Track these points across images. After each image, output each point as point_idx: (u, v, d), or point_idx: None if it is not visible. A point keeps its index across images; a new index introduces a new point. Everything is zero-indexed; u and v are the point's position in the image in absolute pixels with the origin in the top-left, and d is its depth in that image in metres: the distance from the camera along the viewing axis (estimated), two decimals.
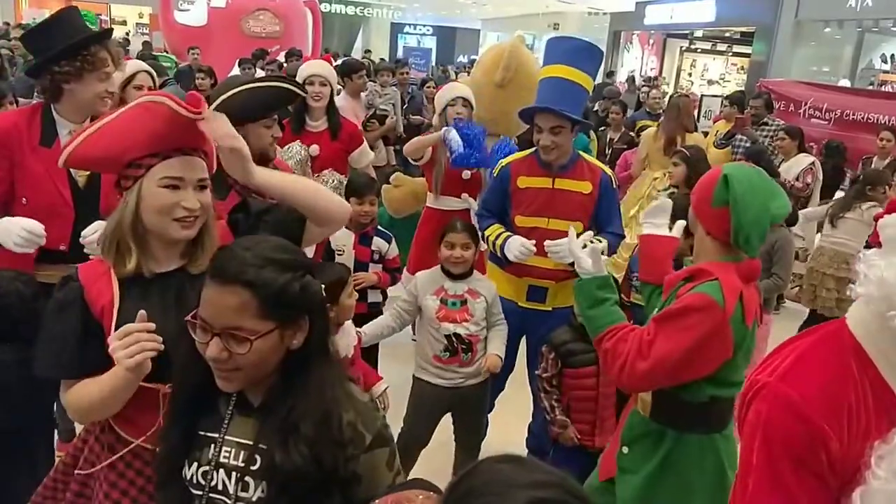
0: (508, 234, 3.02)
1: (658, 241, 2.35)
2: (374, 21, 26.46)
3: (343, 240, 3.30)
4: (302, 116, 3.88)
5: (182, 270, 1.57)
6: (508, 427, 3.33)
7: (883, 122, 8.13)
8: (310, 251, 2.76)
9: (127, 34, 17.66)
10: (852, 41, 15.40)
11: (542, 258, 2.94)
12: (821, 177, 6.08)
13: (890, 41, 15.60)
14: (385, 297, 3.57)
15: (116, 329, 1.45)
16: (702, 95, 11.04)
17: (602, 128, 6.64)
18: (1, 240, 2.20)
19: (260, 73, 7.90)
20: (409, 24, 28.62)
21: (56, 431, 2.78)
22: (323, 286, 2.52)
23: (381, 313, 3.43)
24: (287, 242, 1.38)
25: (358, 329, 2.81)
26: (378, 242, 3.38)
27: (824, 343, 1.28)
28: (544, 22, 22.97)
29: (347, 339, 2.67)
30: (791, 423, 1.20)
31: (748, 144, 6.20)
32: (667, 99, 7.64)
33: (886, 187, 4.96)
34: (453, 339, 2.85)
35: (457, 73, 13.54)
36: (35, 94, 5.13)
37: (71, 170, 2.41)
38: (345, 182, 3.86)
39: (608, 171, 3.16)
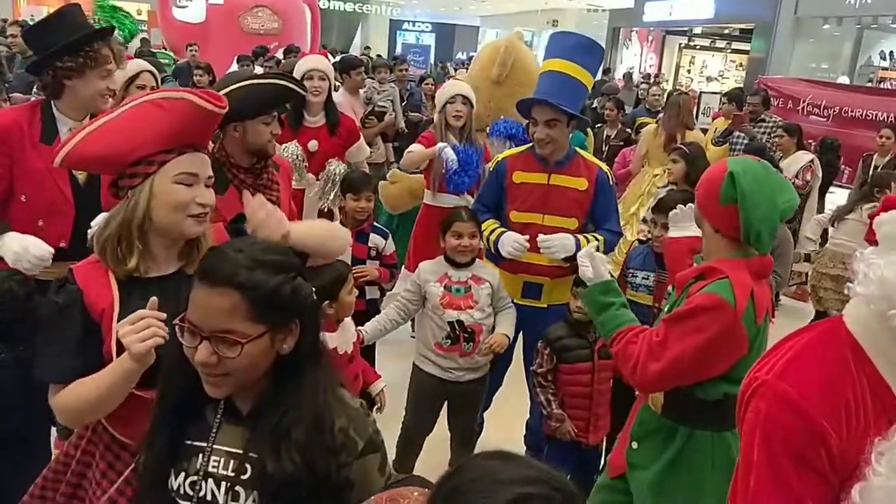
0: (502, 229, 3.02)
1: (683, 242, 2.37)
2: (372, 18, 26.42)
3: None
4: (300, 112, 3.87)
5: (180, 273, 1.56)
6: (506, 424, 3.33)
7: (882, 118, 8.13)
8: None
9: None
10: (851, 38, 15.37)
11: (537, 254, 2.94)
12: (820, 174, 6.08)
13: (889, 38, 15.57)
14: (382, 293, 3.57)
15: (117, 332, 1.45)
16: (700, 92, 11.01)
17: (598, 125, 6.63)
18: (10, 260, 2.20)
19: (259, 71, 7.88)
20: (408, 21, 28.60)
21: (56, 430, 2.77)
22: (322, 285, 2.55)
23: (379, 310, 3.44)
24: (277, 244, 1.37)
25: (358, 328, 2.81)
26: (375, 239, 3.38)
27: (821, 340, 1.28)
28: (543, 18, 22.94)
29: (347, 335, 2.67)
30: (790, 420, 1.20)
31: (746, 141, 6.20)
32: (666, 96, 7.65)
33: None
34: (456, 326, 2.85)
35: (455, 70, 13.52)
36: (33, 91, 5.11)
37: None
38: (342, 173, 3.88)
39: (605, 167, 3.16)
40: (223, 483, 1.26)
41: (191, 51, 9.78)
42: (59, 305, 1.49)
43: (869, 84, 13.49)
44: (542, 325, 2.98)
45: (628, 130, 6.95)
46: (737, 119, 6.42)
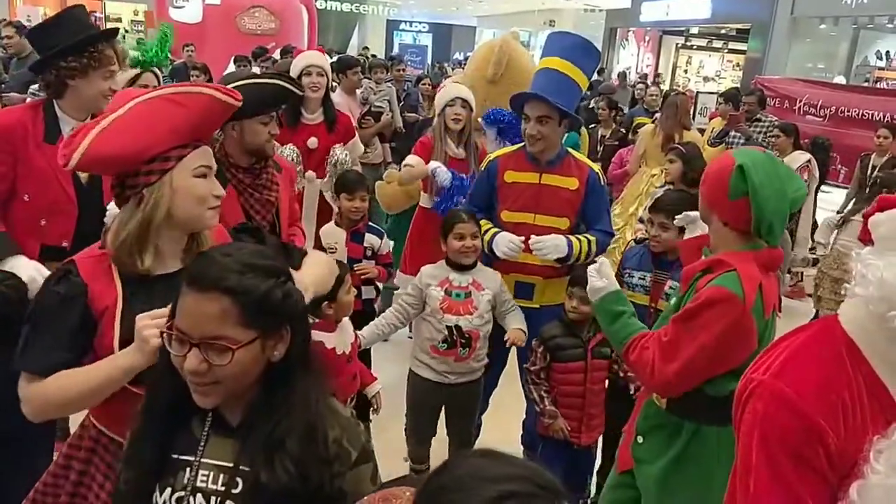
0: (496, 230, 3.01)
1: (693, 242, 2.39)
2: (369, 18, 26.38)
3: (335, 237, 3.30)
4: (297, 109, 3.85)
5: (182, 271, 1.55)
6: (504, 425, 3.33)
7: (878, 118, 8.16)
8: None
9: (125, 31, 17.61)
10: (848, 38, 15.41)
11: (530, 254, 2.94)
12: (817, 174, 6.09)
13: (885, 38, 15.61)
14: (378, 292, 3.57)
15: (121, 331, 1.45)
16: (697, 92, 11.04)
17: (592, 125, 6.63)
18: (27, 281, 2.19)
19: (256, 71, 7.87)
20: (405, 21, 28.59)
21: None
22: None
23: (375, 310, 3.44)
24: (266, 248, 1.36)
25: (356, 331, 2.81)
26: (370, 239, 3.38)
27: (817, 340, 1.28)
28: (540, 19, 22.96)
29: (345, 336, 2.67)
30: (788, 419, 1.20)
31: (742, 142, 6.20)
32: (663, 96, 7.65)
33: None
34: (454, 331, 2.84)
35: (452, 70, 13.53)
36: (28, 91, 5.10)
37: None
38: (349, 159, 3.89)
39: (596, 168, 3.15)
40: (212, 498, 1.22)
41: (187, 51, 9.77)
42: (61, 296, 1.47)
43: (865, 84, 13.54)
44: (535, 325, 2.97)
45: (622, 130, 6.95)
46: (733, 119, 6.42)
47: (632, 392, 2.75)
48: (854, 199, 6.62)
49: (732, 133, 6.37)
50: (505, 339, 2.89)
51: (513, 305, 2.97)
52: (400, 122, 6.74)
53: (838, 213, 6.74)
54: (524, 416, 3.27)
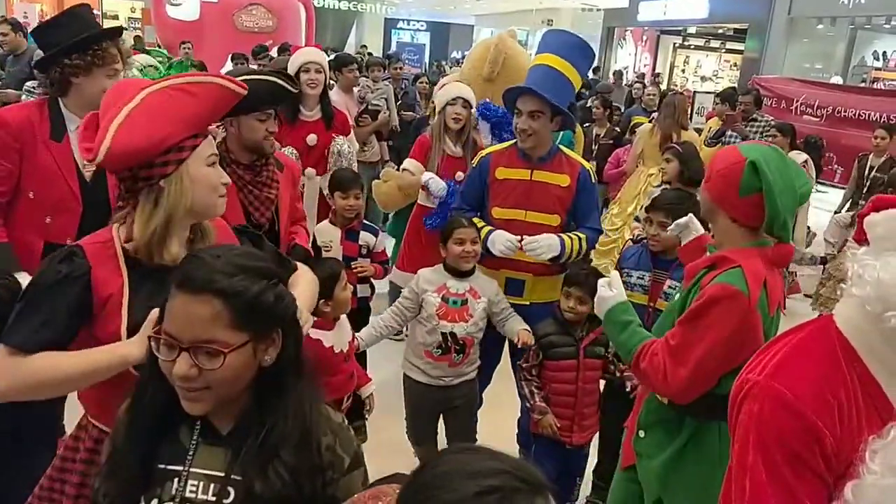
0: (491, 227, 3.01)
1: (694, 244, 2.38)
2: (367, 16, 26.33)
3: (329, 235, 3.30)
4: (296, 106, 3.84)
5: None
6: (499, 423, 3.32)
7: (874, 118, 8.17)
8: None
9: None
10: (844, 38, 15.43)
11: (520, 251, 2.94)
12: (814, 174, 6.10)
13: (882, 38, 15.63)
14: (373, 290, 3.57)
15: (129, 319, 1.44)
16: (695, 92, 11.05)
17: (587, 124, 6.63)
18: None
19: (254, 68, 7.86)
20: (403, 20, 28.55)
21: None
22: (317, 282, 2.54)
23: (370, 308, 3.43)
24: (256, 251, 1.35)
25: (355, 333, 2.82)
26: (365, 237, 3.38)
27: (812, 340, 1.28)
28: (538, 18, 22.94)
29: (343, 334, 2.67)
30: (785, 420, 1.20)
31: (739, 141, 6.21)
32: (660, 96, 7.65)
33: None
34: (448, 337, 2.84)
35: (450, 68, 13.52)
36: (24, 89, 5.09)
37: (79, 163, 2.43)
38: (352, 150, 3.90)
39: (587, 165, 3.15)
40: None
41: (184, 49, 9.75)
42: (62, 274, 1.44)
43: (862, 84, 13.55)
44: (526, 322, 2.98)
45: (617, 129, 6.94)
46: (729, 119, 6.43)
47: (628, 389, 2.75)
48: (851, 200, 6.64)
49: (729, 133, 6.38)
50: (516, 340, 2.88)
51: (510, 311, 2.97)
52: (396, 121, 6.73)
53: (835, 212, 6.76)
54: (519, 415, 3.28)
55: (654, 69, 19.09)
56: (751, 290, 1.80)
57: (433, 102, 5.43)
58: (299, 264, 1.86)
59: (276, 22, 12.73)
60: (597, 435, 3.06)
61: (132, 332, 1.43)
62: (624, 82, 13.59)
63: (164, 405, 1.18)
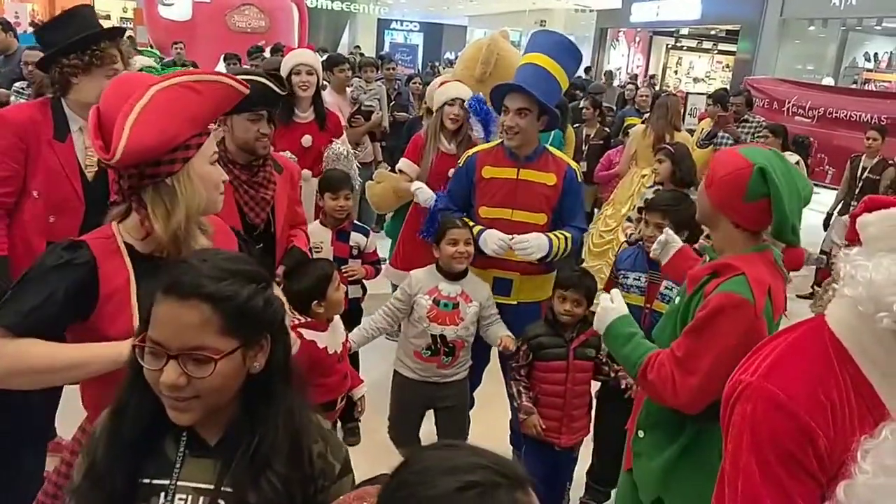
0: (482, 227, 3.00)
1: (679, 257, 2.38)
2: (360, 17, 26.30)
3: (320, 236, 3.29)
4: (291, 108, 3.84)
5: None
6: (490, 424, 3.32)
7: (866, 120, 8.21)
8: None
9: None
10: (836, 39, 15.49)
11: (510, 251, 2.94)
12: (805, 175, 6.11)
13: (873, 40, 15.72)
14: (365, 291, 3.57)
15: (140, 309, 1.41)
16: (687, 93, 11.09)
17: (577, 124, 6.63)
18: None
19: (247, 69, 7.83)
20: (396, 21, 28.55)
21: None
22: (309, 285, 2.54)
23: (361, 309, 3.43)
24: (242, 254, 1.34)
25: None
26: (356, 237, 3.37)
27: (805, 341, 1.28)
28: (531, 19, 22.96)
29: (337, 335, 2.66)
30: (778, 421, 1.19)
31: (731, 142, 6.23)
32: (652, 97, 7.66)
33: None
34: (438, 340, 2.84)
35: (444, 69, 13.52)
36: (12, 89, 5.07)
37: (81, 163, 2.46)
38: (350, 153, 3.91)
39: (574, 165, 3.16)
40: None
41: (177, 49, 9.73)
42: (63, 259, 1.44)
43: (853, 85, 13.62)
44: (514, 321, 2.98)
45: (607, 130, 6.95)
46: (721, 120, 6.44)
47: (623, 387, 2.75)
48: (843, 201, 6.66)
49: (721, 134, 6.39)
50: (498, 344, 2.88)
51: (497, 318, 2.97)
52: (387, 122, 6.73)
53: (828, 213, 6.79)
54: (511, 416, 3.28)
55: (646, 70, 19.13)
56: (756, 297, 1.79)
57: (426, 103, 5.43)
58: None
59: (268, 22, 12.71)
60: (591, 437, 3.06)
61: None
62: (616, 83, 13.60)
63: (149, 417, 1.13)
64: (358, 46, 19.97)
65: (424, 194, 3.75)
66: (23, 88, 4.99)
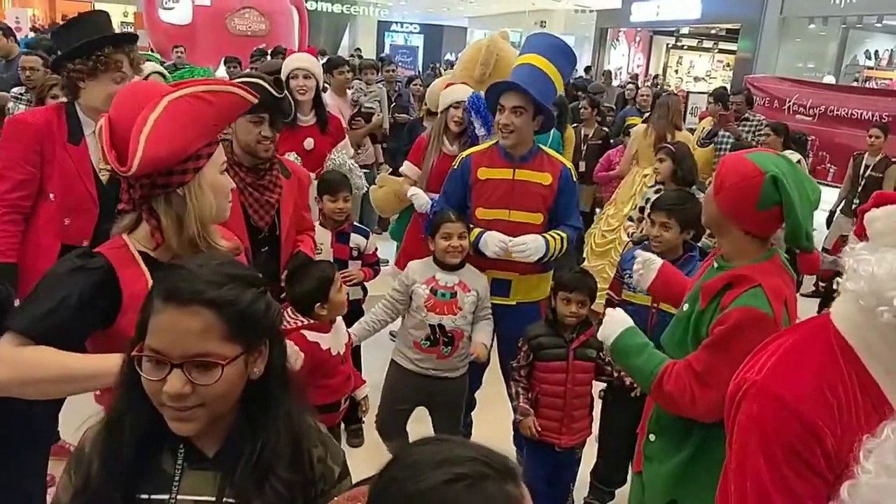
0: (481, 229, 3.00)
1: (664, 275, 2.38)
2: (360, 19, 26.32)
3: (320, 238, 3.29)
4: (295, 111, 3.85)
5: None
6: (494, 425, 3.31)
7: (867, 117, 8.18)
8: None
9: None
10: (837, 37, 15.48)
11: (508, 253, 2.94)
12: (806, 173, 6.10)
13: (874, 37, 15.71)
14: (365, 292, 3.56)
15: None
16: (688, 92, 11.08)
17: (575, 124, 6.63)
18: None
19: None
20: (396, 23, 28.56)
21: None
22: (311, 288, 2.53)
23: (363, 311, 3.43)
24: (236, 259, 1.34)
25: (347, 329, 2.80)
26: (356, 239, 3.38)
27: (810, 339, 1.27)
28: (531, 20, 22.97)
29: (340, 337, 2.66)
30: (785, 420, 1.19)
31: (732, 141, 6.22)
32: (653, 96, 7.65)
33: None
34: (437, 329, 2.85)
35: (444, 70, 13.53)
36: (10, 94, 5.06)
37: (94, 166, 2.50)
38: (350, 161, 3.92)
39: (569, 164, 3.17)
40: None
41: (177, 53, 9.74)
42: (77, 265, 1.44)
43: (854, 83, 13.61)
44: (513, 322, 2.98)
45: (605, 129, 6.94)
46: (722, 119, 6.43)
47: (628, 383, 2.73)
48: (846, 199, 6.65)
49: (721, 133, 6.38)
50: (471, 351, 2.87)
51: (488, 314, 2.97)
52: (387, 124, 6.73)
53: (830, 212, 6.78)
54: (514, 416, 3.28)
55: (647, 70, 19.13)
56: (774, 309, 1.78)
57: (426, 104, 5.43)
58: None
59: (268, 25, 12.73)
60: (595, 437, 3.06)
61: None
62: (615, 83, 13.60)
63: (146, 431, 1.11)
64: (358, 49, 20.01)
65: (420, 200, 3.77)
66: (21, 94, 4.98)
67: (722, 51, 18.76)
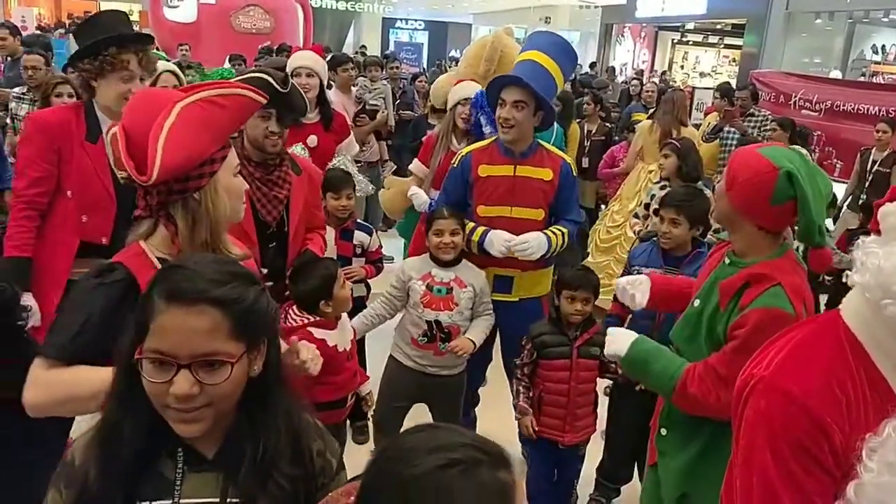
0: (485, 228, 3.00)
1: (659, 288, 2.36)
2: (365, 16, 26.32)
3: None
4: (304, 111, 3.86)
5: None
6: (498, 422, 3.30)
7: (873, 112, 8.14)
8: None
9: None
10: (843, 32, 15.39)
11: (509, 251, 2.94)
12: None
13: (880, 32, 15.61)
14: (369, 289, 3.57)
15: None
16: (693, 88, 11.05)
17: (579, 120, 6.62)
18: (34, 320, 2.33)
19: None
20: (401, 19, 28.58)
21: None
22: (315, 285, 2.54)
23: (366, 307, 3.44)
24: (231, 258, 1.34)
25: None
26: (360, 236, 3.38)
27: (819, 334, 1.27)
28: (536, 15, 22.92)
29: (345, 333, 2.67)
30: (793, 417, 1.18)
31: (738, 136, 6.20)
32: (658, 92, 7.63)
33: None
34: (433, 325, 2.86)
35: (449, 66, 13.52)
36: (12, 96, 5.08)
37: (112, 164, 2.47)
38: (349, 166, 3.92)
39: (568, 158, 3.16)
40: None
41: (182, 51, 9.75)
42: (96, 283, 1.44)
43: (861, 78, 13.53)
44: (516, 318, 2.98)
45: (608, 125, 6.92)
46: (728, 115, 6.41)
47: (634, 380, 2.73)
48: (853, 194, 6.62)
49: (727, 128, 6.36)
50: (453, 345, 2.85)
51: (488, 309, 2.97)
52: (392, 121, 6.72)
53: (838, 207, 6.75)
54: None
55: (652, 65, 19.09)
56: (795, 307, 1.78)
57: (430, 101, 5.42)
58: None
59: (273, 23, 12.74)
60: (601, 434, 3.05)
61: None
62: (620, 79, 13.57)
63: (146, 435, 1.09)
64: (363, 46, 20.00)
65: (419, 199, 3.78)
66: (23, 94, 4.98)
67: (728, 46, 18.70)
